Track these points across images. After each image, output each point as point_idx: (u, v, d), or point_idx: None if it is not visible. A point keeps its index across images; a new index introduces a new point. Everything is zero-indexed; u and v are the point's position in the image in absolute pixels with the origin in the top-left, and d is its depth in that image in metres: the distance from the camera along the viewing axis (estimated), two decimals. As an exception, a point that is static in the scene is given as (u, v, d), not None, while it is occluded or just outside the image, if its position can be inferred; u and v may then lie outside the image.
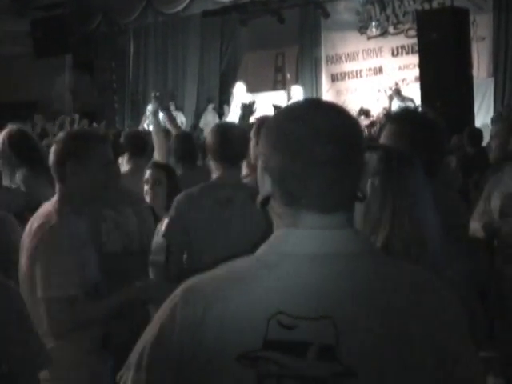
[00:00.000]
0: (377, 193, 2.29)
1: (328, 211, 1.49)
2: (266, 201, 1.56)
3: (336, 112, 1.55)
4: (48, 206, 3.21)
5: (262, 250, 1.53)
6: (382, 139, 3.01)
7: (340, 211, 1.51)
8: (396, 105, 13.40)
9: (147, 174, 4.55)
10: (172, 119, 6.44)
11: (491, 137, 7.42)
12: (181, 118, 16.01)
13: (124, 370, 1.57)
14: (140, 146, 5.97)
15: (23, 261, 3.14)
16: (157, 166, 4.68)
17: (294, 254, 1.48)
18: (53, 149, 3.21)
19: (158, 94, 8.14)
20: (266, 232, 1.59)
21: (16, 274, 3.58)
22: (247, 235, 3.46)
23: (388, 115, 3.02)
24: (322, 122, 1.49)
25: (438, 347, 1.43)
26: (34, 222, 3.18)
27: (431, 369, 1.42)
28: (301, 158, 1.47)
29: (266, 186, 1.54)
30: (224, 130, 4.08)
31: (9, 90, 17.86)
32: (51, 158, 3.21)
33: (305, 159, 1.47)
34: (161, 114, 7.37)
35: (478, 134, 8.84)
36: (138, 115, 17.90)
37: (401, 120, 3.04)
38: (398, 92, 13.91)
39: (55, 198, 3.21)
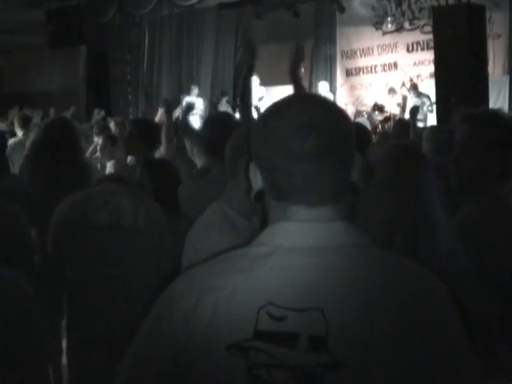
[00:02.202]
0: (388, 184, 2.33)
1: (315, 205, 1.52)
2: (261, 195, 1.59)
3: (320, 106, 1.56)
4: (213, 206, 2.84)
5: (256, 242, 1.56)
6: (458, 139, 3.01)
7: (328, 204, 1.53)
8: (412, 101, 13.36)
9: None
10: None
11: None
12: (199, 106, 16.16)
13: (124, 359, 1.60)
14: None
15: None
16: (142, 166, 4.49)
17: (284, 247, 1.50)
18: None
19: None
20: (261, 225, 1.59)
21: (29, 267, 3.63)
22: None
23: (465, 116, 3.01)
24: (304, 117, 1.51)
25: (426, 340, 1.43)
26: (197, 222, 2.84)
27: (419, 361, 1.42)
28: (283, 154, 1.50)
29: (257, 180, 1.58)
30: (222, 121, 3.99)
31: (23, 80, 17.94)
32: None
33: (286, 153, 1.50)
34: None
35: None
36: (152, 107, 17.95)
37: (478, 122, 3.01)
38: (414, 87, 13.85)
39: (221, 198, 2.83)
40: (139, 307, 3.38)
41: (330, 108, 1.58)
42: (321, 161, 1.49)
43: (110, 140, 7.65)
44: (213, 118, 4.21)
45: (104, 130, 9.25)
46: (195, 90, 16.40)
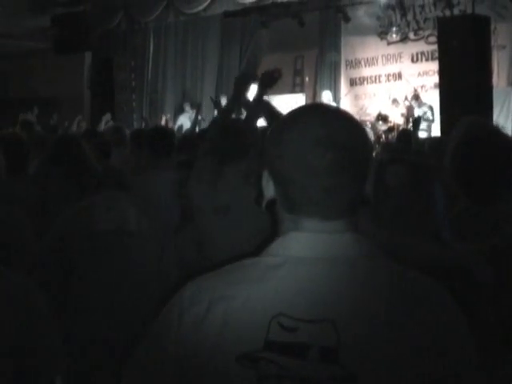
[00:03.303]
0: (402, 202, 2.32)
1: (328, 218, 1.51)
2: (272, 204, 1.58)
3: (338, 119, 1.55)
4: None
5: (267, 251, 1.55)
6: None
7: (341, 218, 1.52)
8: (415, 111, 13.38)
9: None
10: None
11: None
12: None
13: (129, 363, 1.59)
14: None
15: None
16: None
17: (296, 257, 1.49)
18: None
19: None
20: (271, 234, 1.59)
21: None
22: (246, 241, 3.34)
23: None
24: (322, 130, 1.49)
25: (437, 353, 1.42)
26: None
27: (431, 374, 1.41)
28: (299, 167, 1.48)
29: (269, 190, 1.57)
30: (224, 124, 3.99)
31: (28, 86, 17.97)
32: None
33: (303, 168, 1.48)
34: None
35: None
36: (156, 114, 17.97)
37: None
38: (416, 98, 13.87)
39: None
40: (142, 310, 3.41)
41: (349, 122, 1.55)
42: (338, 176, 1.48)
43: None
44: (226, 125, 4.20)
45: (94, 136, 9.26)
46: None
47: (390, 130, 13.67)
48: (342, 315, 1.42)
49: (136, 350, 1.58)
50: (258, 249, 1.57)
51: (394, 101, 14.68)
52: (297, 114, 1.59)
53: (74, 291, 3.83)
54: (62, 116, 13.15)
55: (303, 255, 1.49)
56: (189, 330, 1.48)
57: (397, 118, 14.21)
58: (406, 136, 8.75)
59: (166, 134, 5.87)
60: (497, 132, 3.03)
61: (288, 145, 1.51)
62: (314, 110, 1.63)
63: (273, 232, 1.59)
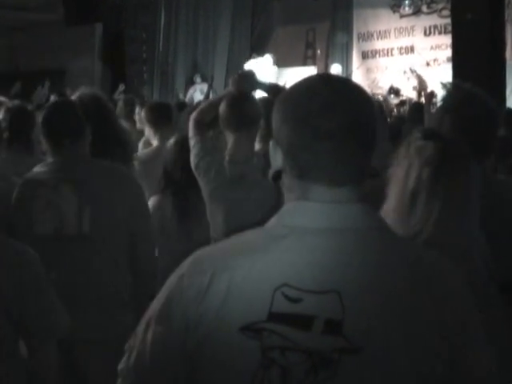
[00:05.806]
0: (426, 183, 2.25)
1: (337, 184, 1.49)
2: (278, 174, 1.56)
3: (345, 86, 1.55)
4: None
5: (272, 222, 1.54)
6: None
7: (349, 185, 1.50)
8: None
9: None
10: None
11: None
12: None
13: (132, 339, 1.58)
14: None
15: None
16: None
17: (302, 227, 1.47)
18: None
19: None
20: (276, 205, 1.57)
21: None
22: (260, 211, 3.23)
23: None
24: (330, 96, 1.49)
25: (445, 326, 1.42)
26: None
27: (437, 347, 1.40)
28: (308, 131, 1.47)
29: (277, 159, 1.55)
30: (234, 96, 3.95)
31: (39, 58, 17.92)
32: None
33: (312, 132, 1.47)
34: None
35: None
36: (167, 87, 17.92)
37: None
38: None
39: None
40: (94, 313, 3.35)
41: (355, 88, 1.56)
42: (345, 139, 1.47)
43: None
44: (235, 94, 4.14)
45: None
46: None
47: (402, 103, 13.62)
48: (348, 287, 1.41)
49: (139, 325, 1.58)
50: (264, 219, 1.55)
51: (411, 70, 14.52)
52: (304, 82, 1.59)
53: None
54: (73, 89, 13.06)
55: (310, 226, 1.47)
56: (192, 302, 1.47)
57: (409, 91, 14.12)
58: (417, 110, 8.68)
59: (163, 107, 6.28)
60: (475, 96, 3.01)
61: (296, 110, 1.51)
62: (321, 78, 1.63)
63: (278, 203, 1.57)
